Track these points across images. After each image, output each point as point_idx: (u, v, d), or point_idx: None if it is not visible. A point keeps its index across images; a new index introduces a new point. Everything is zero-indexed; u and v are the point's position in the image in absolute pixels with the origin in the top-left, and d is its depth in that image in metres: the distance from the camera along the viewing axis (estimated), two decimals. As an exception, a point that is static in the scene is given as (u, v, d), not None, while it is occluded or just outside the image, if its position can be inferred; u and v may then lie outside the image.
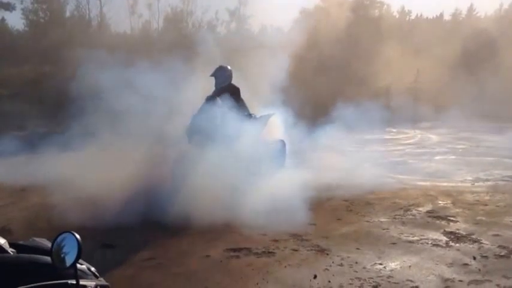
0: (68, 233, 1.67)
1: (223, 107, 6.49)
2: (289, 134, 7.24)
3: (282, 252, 4.35)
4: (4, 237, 1.93)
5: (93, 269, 2.03)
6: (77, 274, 1.60)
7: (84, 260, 2.05)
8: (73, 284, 1.64)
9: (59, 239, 1.67)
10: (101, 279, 2.01)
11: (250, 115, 6.75)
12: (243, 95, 6.80)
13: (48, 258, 1.70)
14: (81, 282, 1.77)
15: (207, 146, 5.94)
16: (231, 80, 6.79)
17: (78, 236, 1.63)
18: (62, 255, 1.63)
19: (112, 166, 5.67)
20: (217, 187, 5.39)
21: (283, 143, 7.23)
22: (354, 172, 7.50)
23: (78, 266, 1.86)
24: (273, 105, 7.24)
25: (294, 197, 5.61)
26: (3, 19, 19.89)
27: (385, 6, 22.94)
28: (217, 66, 6.91)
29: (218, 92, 6.79)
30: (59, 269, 1.64)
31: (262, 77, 7.27)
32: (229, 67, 6.89)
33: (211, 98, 6.57)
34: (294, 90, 8.40)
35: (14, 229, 4.72)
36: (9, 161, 7.33)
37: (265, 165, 6.45)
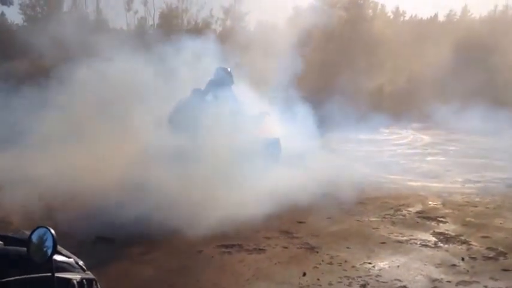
0: (43, 228, 1.70)
1: (213, 102, 6.53)
2: (283, 132, 7.28)
3: (272, 249, 4.38)
4: (4, 228, 1.94)
5: (81, 262, 2.03)
6: (52, 268, 1.64)
7: (78, 253, 2.06)
8: (59, 277, 1.67)
9: (36, 233, 1.70)
10: (88, 272, 2.01)
11: (243, 112, 6.76)
12: (242, 92, 6.84)
13: None
14: (67, 275, 1.79)
15: (192, 138, 5.98)
16: (230, 80, 6.83)
17: (53, 231, 1.67)
18: (45, 249, 1.66)
19: (105, 159, 5.67)
20: (209, 184, 5.42)
21: (277, 141, 7.27)
22: (346, 171, 7.55)
23: (65, 259, 1.90)
24: (269, 103, 7.28)
25: (286, 194, 5.65)
26: (2, 13, 19.81)
27: (380, 6, 22.98)
28: (217, 67, 6.95)
29: (210, 87, 6.81)
30: (36, 263, 1.66)
31: (259, 77, 7.32)
32: (229, 68, 6.94)
33: (198, 91, 6.59)
34: (286, 88, 8.42)
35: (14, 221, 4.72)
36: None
37: (260, 162, 6.48)
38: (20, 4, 18.69)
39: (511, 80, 14.23)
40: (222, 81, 6.89)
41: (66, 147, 6.45)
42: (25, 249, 1.73)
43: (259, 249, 4.37)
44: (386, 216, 5.49)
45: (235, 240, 4.52)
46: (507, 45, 15.77)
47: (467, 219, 5.39)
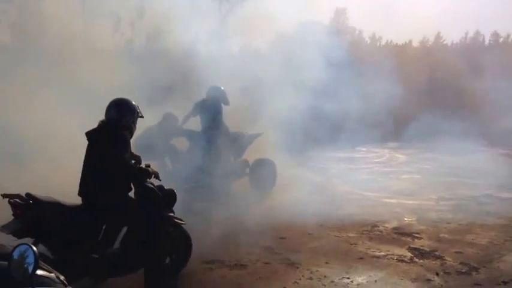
0: (24, 245, 1.72)
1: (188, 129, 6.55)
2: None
3: (254, 264, 4.43)
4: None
5: (62, 277, 2.03)
6: (33, 285, 1.64)
7: (57, 268, 2.07)
8: None
9: (17, 250, 1.71)
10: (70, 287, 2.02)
11: (230, 133, 6.78)
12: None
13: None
14: None
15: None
16: (223, 99, 6.80)
17: (35, 248, 1.68)
18: (26, 266, 1.66)
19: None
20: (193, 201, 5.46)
21: (272, 163, 7.23)
22: (324, 188, 7.69)
23: (47, 274, 1.90)
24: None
25: (267, 211, 5.73)
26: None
27: (357, 31, 23.69)
28: (210, 86, 6.90)
29: (196, 109, 6.82)
30: (17, 280, 1.67)
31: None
32: (222, 87, 6.89)
33: (170, 116, 6.54)
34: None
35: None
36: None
37: (253, 184, 6.52)
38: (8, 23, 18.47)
39: (479, 103, 14.83)
40: (215, 101, 6.81)
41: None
42: (6, 263, 1.73)
43: (241, 265, 4.41)
44: (364, 232, 5.62)
45: (216, 256, 4.54)
46: (476, 70, 16.47)
47: (441, 235, 5.57)
